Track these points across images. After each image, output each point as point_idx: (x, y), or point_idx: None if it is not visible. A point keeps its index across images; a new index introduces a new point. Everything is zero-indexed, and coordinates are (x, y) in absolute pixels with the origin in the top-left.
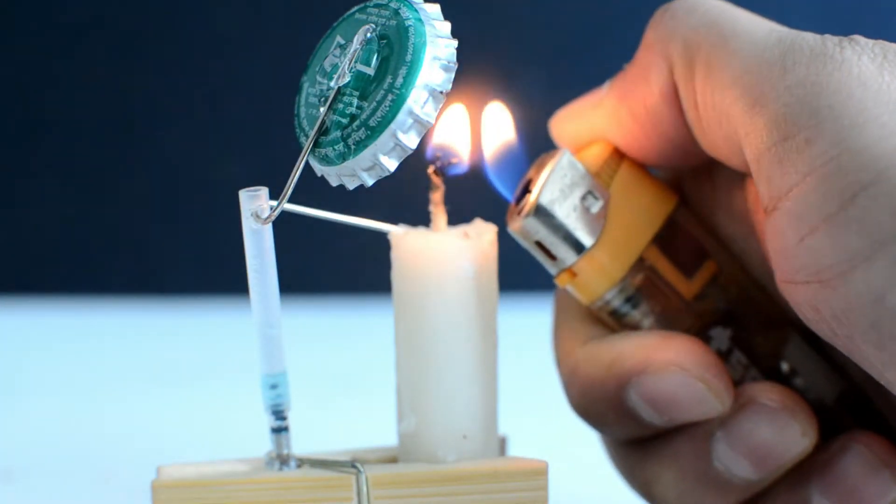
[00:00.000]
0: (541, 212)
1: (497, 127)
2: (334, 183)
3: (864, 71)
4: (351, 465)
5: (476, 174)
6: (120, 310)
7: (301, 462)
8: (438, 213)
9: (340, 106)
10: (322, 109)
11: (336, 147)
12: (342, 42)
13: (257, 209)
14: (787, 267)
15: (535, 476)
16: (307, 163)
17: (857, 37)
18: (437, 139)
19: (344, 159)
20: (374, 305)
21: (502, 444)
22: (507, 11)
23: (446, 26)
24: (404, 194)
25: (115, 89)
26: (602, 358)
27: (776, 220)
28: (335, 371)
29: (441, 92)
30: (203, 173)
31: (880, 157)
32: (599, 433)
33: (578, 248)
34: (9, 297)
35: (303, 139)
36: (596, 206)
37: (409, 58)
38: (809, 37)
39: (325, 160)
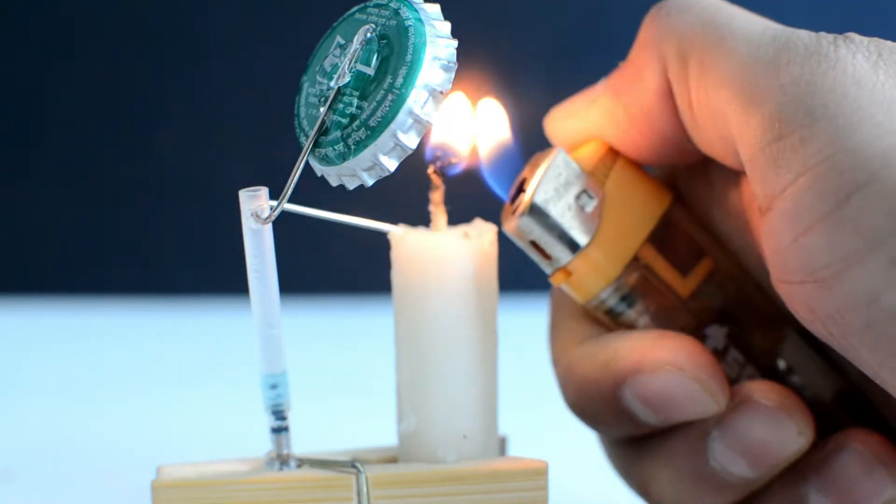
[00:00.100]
0: (535, 211)
1: (491, 126)
2: (334, 183)
3: (859, 69)
4: (351, 465)
5: (472, 174)
6: (120, 310)
7: (301, 462)
8: (438, 213)
9: (340, 106)
10: (322, 109)
11: (336, 147)
12: (342, 42)
13: (257, 209)
14: (781, 267)
15: (535, 476)
16: (307, 163)
17: (852, 35)
18: (437, 139)
19: (344, 159)
20: (374, 305)
21: (502, 444)
22: (505, 11)
23: (446, 26)
24: (404, 194)
25: (114, 89)
26: (597, 357)
27: (771, 220)
28: (335, 371)
29: (441, 92)
30: (203, 173)
31: (875, 156)
32: (596, 432)
33: (573, 246)
34: (9, 297)
35: (303, 139)
36: (590, 205)
37: (409, 58)
38: (804, 35)
39: (325, 160)
